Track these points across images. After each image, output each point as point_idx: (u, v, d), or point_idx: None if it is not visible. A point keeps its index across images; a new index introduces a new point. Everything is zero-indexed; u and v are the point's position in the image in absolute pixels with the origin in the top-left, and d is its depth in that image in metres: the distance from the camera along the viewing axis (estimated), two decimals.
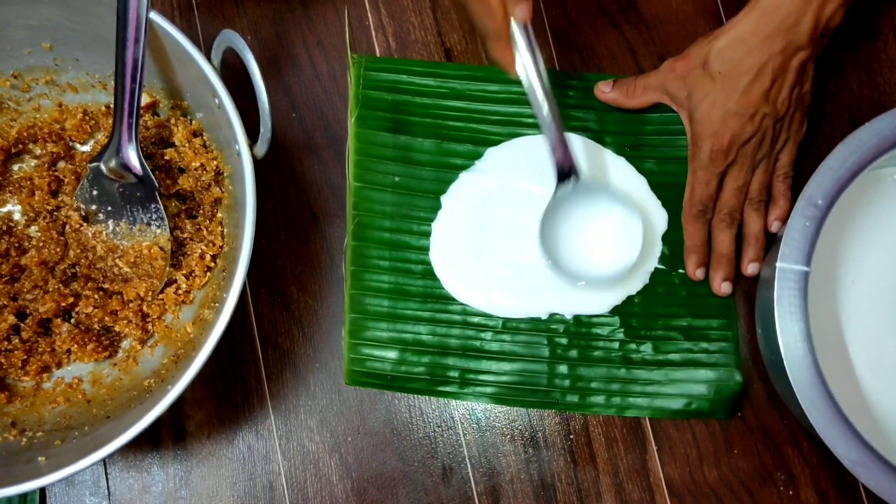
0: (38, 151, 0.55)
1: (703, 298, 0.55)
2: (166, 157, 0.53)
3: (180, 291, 0.52)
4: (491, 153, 0.57)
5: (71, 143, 0.55)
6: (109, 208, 0.52)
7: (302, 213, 0.57)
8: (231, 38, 0.45)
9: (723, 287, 0.54)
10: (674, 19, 0.59)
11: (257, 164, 0.46)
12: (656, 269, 0.55)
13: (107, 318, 0.52)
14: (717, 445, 0.54)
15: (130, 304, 0.52)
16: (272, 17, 0.59)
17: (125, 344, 0.53)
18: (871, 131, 0.47)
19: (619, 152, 0.56)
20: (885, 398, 0.50)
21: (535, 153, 0.55)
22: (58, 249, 0.52)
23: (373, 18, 0.59)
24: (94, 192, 0.52)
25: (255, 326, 0.55)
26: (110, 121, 0.51)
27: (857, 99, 0.58)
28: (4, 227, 0.53)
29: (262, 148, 0.46)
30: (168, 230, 0.52)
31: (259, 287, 0.56)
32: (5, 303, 0.51)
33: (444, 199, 0.56)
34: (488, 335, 0.54)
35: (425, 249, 0.56)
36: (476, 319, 0.55)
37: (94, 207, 0.52)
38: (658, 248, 0.55)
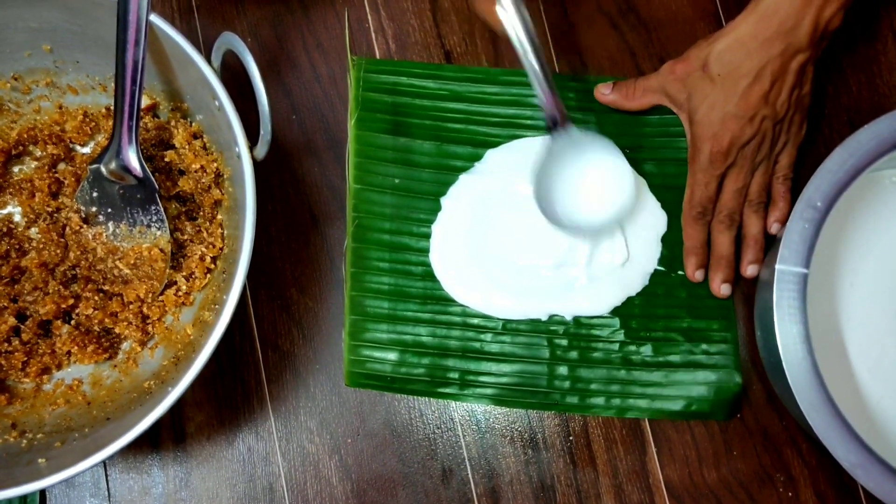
0: (38, 153, 0.55)
1: (702, 300, 0.55)
2: (166, 159, 0.53)
3: (180, 293, 0.52)
4: (491, 155, 0.57)
5: (71, 145, 0.55)
6: (109, 210, 0.52)
7: (302, 215, 0.57)
8: (231, 41, 0.45)
9: (722, 289, 0.54)
10: (673, 21, 0.59)
11: (257, 166, 0.46)
12: (656, 270, 0.55)
13: (107, 320, 0.52)
14: (717, 447, 0.54)
15: (130, 306, 0.52)
16: (272, 19, 0.59)
17: (125, 346, 0.53)
18: (870, 133, 0.47)
19: None
20: (885, 400, 0.51)
21: (534, 155, 0.55)
22: (58, 251, 0.52)
23: (373, 21, 0.59)
24: (95, 194, 0.52)
25: (255, 328, 0.55)
26: (110, 123, 0.51)
27: (857, 101, 0.58)
28: (5, 229, 0.53)
29: (262, 150, 0.46)
30: (168, 232, 0.52)
31: (259, 289, 0.56)
32: (5, 304, 0.51)
33: (443, 200, 0.56)
34: (488, 336, 0.55)
35: (425, 251, 0.56)
36: (476, 321, 0.55)
37: (94, 209, 0.52)
38: (658, 249, 0.55)
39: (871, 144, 0.47)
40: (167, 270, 0.52)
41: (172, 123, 0.53)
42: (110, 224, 0.52)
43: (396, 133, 0.57)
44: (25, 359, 0.51)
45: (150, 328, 0.52)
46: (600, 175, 0.52)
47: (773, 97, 0.50)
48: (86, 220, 0.53)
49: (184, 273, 0.52)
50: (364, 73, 0.57)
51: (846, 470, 0.44)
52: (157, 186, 0.50)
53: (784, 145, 0.53)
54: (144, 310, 0.52)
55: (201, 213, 0.53)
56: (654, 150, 0.57)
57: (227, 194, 0.53)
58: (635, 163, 0.56)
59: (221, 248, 0.52)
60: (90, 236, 0.53)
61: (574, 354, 0.54)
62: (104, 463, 0.53)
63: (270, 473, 0.54)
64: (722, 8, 0.59)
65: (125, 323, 0.52)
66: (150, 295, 0.52)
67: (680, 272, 0.55)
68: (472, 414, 0.54)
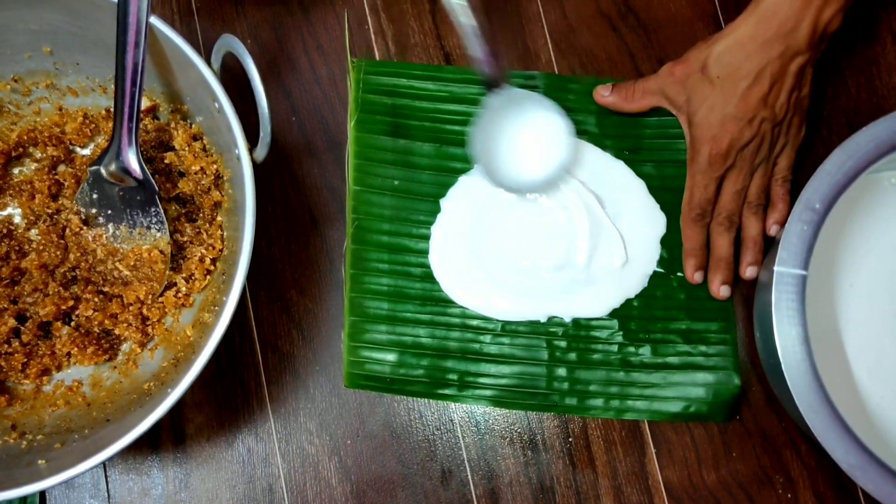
0: (38, 155, 0.55)
1: (701, 302, 0.55)
2: (166, 161, 0.53)
3: (180, 295, 0.52)
4: None
5: (71, 147, 0.55)
6: (109, 212, 0.52)
7: (302, 217, 0.57)
8: (231, 43, 0.45)
9: (721, 290, 0.54)
10: (673, 23, 0.59)
11: (257, 167, 0.46)
12: (655, 272, 0.55)
13: (107, 322, 0.52)
14: (716, 448, 0.54)
15: (130, 308, 0.52)
16: (272, 21, 0.59)
17: (125, 347, 0.53)
18: (869, 135, 0.47)
19: (617, 156, 0.56)
20: (884, 401, 0.51)
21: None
22: (58, 253, 0.52)
23: (372, 22, 0.59)
24: (95, 196, 0.52)
25: (255, 329, 0.55)
26: (110, 124, 0.51)
27: (855, 103, 0.58)
28: (5, 231, 0.53)
29: (261, 152, 0.46)
30: (168, 233, 0.52)
31: (259, 290, 0.56)
32: (5, 306, 0.51)
33: (443, 202, 0.56)
34: (487, 338, 0.55)
35: (424, 252, 0.56)
36: (475, 322, 0.55)
37: (94, 211, 0.52)
38: (657, 251, 0.55)
39: (869, 146, 0.47)
40: (167, 272, 0.52)
41: (172, 125, 0.53)
42: (110, 226, 0.52)
43: (396, 135, 0.57)
44: (25, 360, 0.51)
45: (149, 330, 0.52)
46: (538, 132, 0.53)
47: (773, 99, 0.50)
48: (86, 222, 0.53)
49: (183, 275, 0.52)
50: (364, 74, 0.58)
51: (845, 471, 0.44)
52: (156, 188, 0.50)
53: (783, 147, 0.53)
54: (144, 311, 0.52)
55: (201, 215, 0.53)
56: (653, 151, 0.57)
57: (226, 196, 0.53)
58: (635, 164, 0.56)
59: (221, 250, 0.52)
60: (90, 238, 0.53)
61: (573, 356, 0.54)
62: (104, 464, 0.53)
63: (270, 475, 0.54)
64: (721, 10, 0.59)
65: (125, 324, 0.52)
66: (150, 296, 0.52)
67: (679, 274, 0.55)
68: (472, 415, 0.54)
